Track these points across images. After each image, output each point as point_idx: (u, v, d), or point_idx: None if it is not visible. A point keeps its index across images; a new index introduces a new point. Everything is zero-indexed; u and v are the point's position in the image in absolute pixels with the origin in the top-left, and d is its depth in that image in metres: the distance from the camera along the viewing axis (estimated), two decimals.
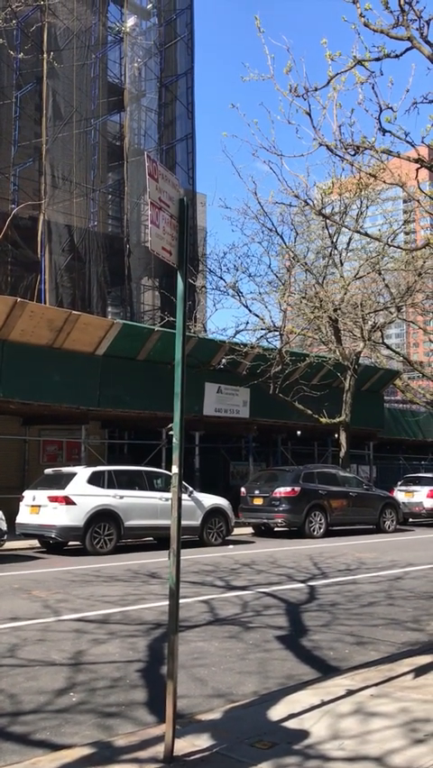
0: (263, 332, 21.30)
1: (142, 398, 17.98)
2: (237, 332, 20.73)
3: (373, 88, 6.65)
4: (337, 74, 6.70)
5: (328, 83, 6.79)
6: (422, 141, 6.26)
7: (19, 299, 15.77)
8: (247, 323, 21.04)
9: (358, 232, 10.06)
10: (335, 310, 20.80)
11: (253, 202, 19.59)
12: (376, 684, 4.79)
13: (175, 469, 3.72)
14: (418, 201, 7.40)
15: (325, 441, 25.38)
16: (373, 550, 14.09)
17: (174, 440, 3.76)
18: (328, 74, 6.75)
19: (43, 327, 15.75)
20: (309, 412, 20.93)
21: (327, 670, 5.34)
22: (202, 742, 3.79)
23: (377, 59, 6.66)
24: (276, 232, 20.65)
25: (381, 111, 6.51)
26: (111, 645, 5.99)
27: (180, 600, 8.06)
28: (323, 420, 21.26)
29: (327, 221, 17.78)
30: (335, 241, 21.63)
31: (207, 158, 40.06)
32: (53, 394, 16.39)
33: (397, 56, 6.66)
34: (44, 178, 24.08)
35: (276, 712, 4.26)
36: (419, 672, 5.09)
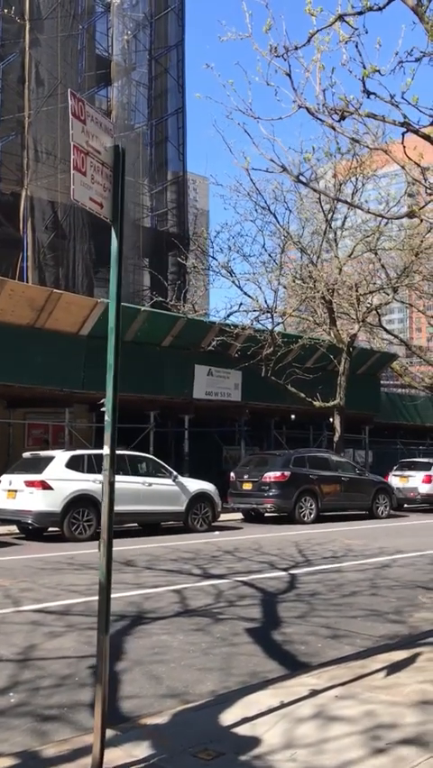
0: (256, 313, 20.78)
1: (128, 381, 17.51)
2: (230, 313, 20.22)
3: (357, 47, 6.26)
4: (318, 30, 6.30)
5: (309, 40, 6.40)
6: (402, 97, 5.81)
7: None
8: (241, 304, 20.47)
9: (345, 202, 9.60)
10: (328, 290, 20.28)
11: (245, 179, 19.08)
12: (343, 683, 4.43)
13: (107, 449, 3.32)
14: (403, 167, 6.92)
15: (319, 425, 24.94)
16: (363, 536, 13.74)
17: (106, 417, 3.36)
18: (310, 32, 6.35)
19: (24, 306, 15.29)
20: (303, 395, 20.51)
21: (295, 666, 4.99)
22: (140, 751, 3.43)
23: (360, 13, 6.30)
24: (269, 210, 20.11)
25: (365, 72, 6.13)
26: (67, 639, 5.62)
27: (151, 590, 7.78)
28: (316, 404, 20.83)
29: (318, 193, 17.20)
30: (329, 219, 21.01)
31: (198, 133, 39.19)
32: (36, 376, 15.95)
33: (380, 8, 6.31)
34: (27, 152, 23.28)
35: (230, 715, 3.91)
36: (392, 669, 4.73)
